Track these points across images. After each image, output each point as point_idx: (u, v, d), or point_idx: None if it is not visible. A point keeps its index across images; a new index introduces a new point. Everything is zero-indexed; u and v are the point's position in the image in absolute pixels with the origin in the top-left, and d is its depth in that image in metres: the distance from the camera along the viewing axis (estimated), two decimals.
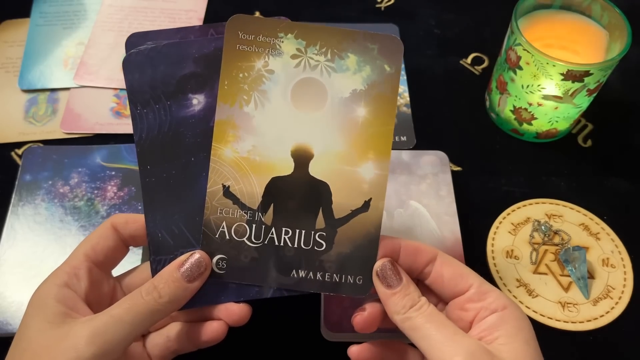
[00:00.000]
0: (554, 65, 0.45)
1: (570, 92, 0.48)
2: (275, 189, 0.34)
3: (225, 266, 0.34)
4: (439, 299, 0.35)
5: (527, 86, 0.49)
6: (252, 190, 0.34)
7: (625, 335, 0.44)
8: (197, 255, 0.34)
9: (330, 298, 0.43)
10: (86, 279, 0.33)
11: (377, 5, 0.65)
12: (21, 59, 0.58)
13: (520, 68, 0.48)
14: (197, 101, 0.34)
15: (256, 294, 0.35)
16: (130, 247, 0.37)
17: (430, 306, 0.32)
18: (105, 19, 0.61)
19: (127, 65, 0.34)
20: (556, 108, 0.50)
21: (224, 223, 0.34)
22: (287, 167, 0.34)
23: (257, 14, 0.63)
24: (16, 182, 0.49)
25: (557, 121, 0.51)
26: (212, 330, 0.35)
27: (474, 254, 0.47)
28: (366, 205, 0.34)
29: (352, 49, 0.34)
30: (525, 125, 0.53)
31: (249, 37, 0.33)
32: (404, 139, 0.55)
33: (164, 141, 0.34)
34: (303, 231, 0.34)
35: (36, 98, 0.56)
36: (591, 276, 0.46)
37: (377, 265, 0.33)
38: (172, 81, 0.34)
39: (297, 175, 0.34)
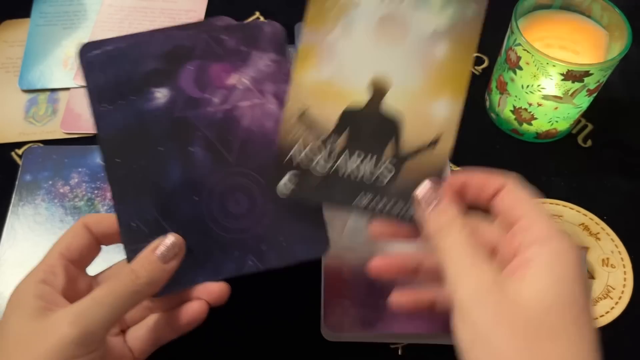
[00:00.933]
0: (554, 66, 0.45)
1: (570, 92, 0.48)
2: (350, 117, 0.35)
3: (297, 183, 0.35)
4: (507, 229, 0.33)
5: (527, 86, 0.49)
6: (328, 116, 0.35)
7: (625, 335, 0.44)
8: (170, 237, 0.35)
9: (330, 298, 0.43)
10: (63, 275, 0.34)
11: None
12: (21, 59, 0.58)
13: (520, 68, 0.48)
14: (161, 94, 0.37)
15: (233, 271, 0.36)
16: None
17: (461, 231, 0.30)
18: (105, 19, 0.61)
19: (89, 66, 0.36)
20: (556, 108, 0.50)
21: (297, 144, 0.35)
22: (363, 97, 0.35)
23: (257, 14, 0.63)
24: (16, 182, 0.49)
25: (557, 121, 0.51)
26: (193, 310, 0.35)
27: None
28: (434, 142, 0.34)
29: None
30: (525, 126, 0.53)
31: None
32: None
33: (131, 134, 0.36)
34: (372, 159, 0.35)
35: (36, 98, 0.56)
36: (591, 276, 0.46)
37: (418, 187, 0.33)
38: (136, 77, 0.36)
39: (372, 106, 0.35)
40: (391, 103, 0.34)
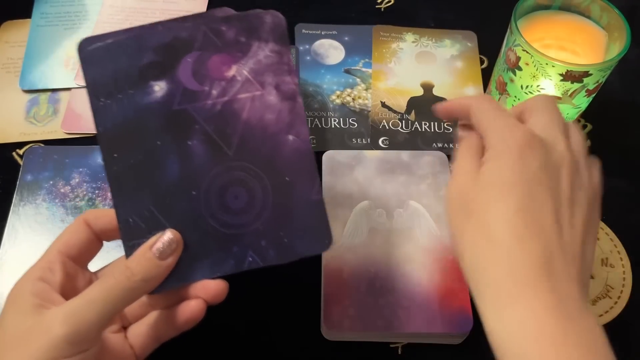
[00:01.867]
0: (553, 66, 0.46)
1: (569, 93, 0.48)
2: (414, 101, 0.56)
3: (387, 143, 0.53)
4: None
5: (527, 87, 0.49)
6: (399, 103, 0.56)
7: (624, 335, 0.44)
8: (168, 233, 0.34)
9: (330, 298, 0.43)
10: (61, 272, 0.34)
11: (377, 6, 0.65)
12: (22, 60, 0.58)
13: (520, 69, 0.48)
14: (159, 87, 0.36)
15: (232, 267, 0.36)
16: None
17: (465, 145, 0.36)
18: (106, 20, 0.62)
19: (87, 60, 0.36)
20: None
21: (383, 120, 0.55)
22: (419, 92, 0.57)
23: None
24: (17, 182, 0.49)
25: None
26: (190, 309, 0.35)
27: None
28: None
29: (446, 38, 0.62)
30: None
31: (386, 34, 0.61)
32: None
33: (128, 129, 0.36)
34: (436, 122, 0.55)
35: (37, 98, 0.56)
36: (590, 276, 0.46)
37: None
38: (134, 71, 0.36)
39: (426, 95, 0.57)
40: (438, 92, 0.57)
